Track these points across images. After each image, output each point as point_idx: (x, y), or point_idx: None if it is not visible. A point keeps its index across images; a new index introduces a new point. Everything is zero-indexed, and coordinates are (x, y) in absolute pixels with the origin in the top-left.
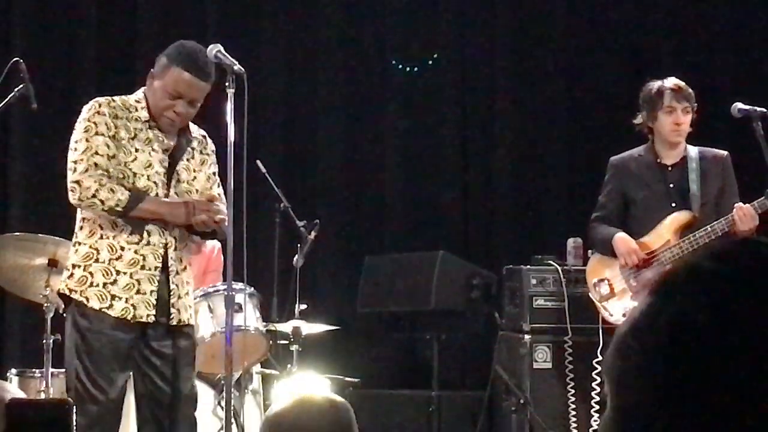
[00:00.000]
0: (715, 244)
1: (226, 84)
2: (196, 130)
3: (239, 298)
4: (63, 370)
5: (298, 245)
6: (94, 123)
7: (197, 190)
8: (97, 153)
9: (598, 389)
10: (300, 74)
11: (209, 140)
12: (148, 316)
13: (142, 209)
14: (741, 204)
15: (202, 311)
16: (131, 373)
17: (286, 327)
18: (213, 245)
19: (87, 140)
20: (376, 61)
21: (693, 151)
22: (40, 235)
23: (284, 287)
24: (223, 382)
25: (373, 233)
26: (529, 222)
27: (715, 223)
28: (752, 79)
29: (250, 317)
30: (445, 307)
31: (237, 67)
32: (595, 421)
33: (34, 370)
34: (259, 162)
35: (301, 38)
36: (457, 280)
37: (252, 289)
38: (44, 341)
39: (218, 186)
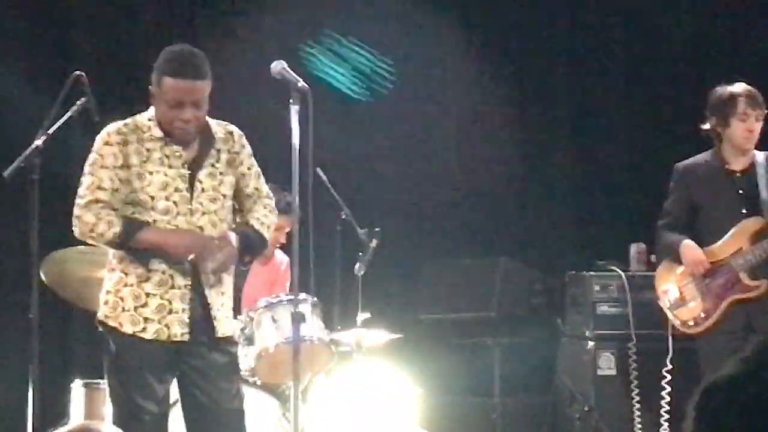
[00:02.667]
0: None
1: (291, 101)
2: (220, 129)
3: (303, 308)
4: None
5: (359, 253)
6: (101, 155)
7: (224, 195)
8: (100, 187)
9: (668, 398)
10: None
11: (237, 134)
12: (182, 334)
13: (140, 240)
14: None
15: (266, 322)
16: (177, 400)
17: (348, 336)
18: (282, 258)
19: (92, 174)
20: (435, 66)
21: (760, 156)
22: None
23: (346, 296)
24: (287, 392)
25: (434, 239)
26: (591, 227)
27: None
28: None
29: (314, 327)
30: (507, 314)
31: (301, 84)
32: (664, 429)
33: (98, 381)
34: (319, 170)
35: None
36: (518, 286)
37: (315, 299)
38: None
39: (257, 179)
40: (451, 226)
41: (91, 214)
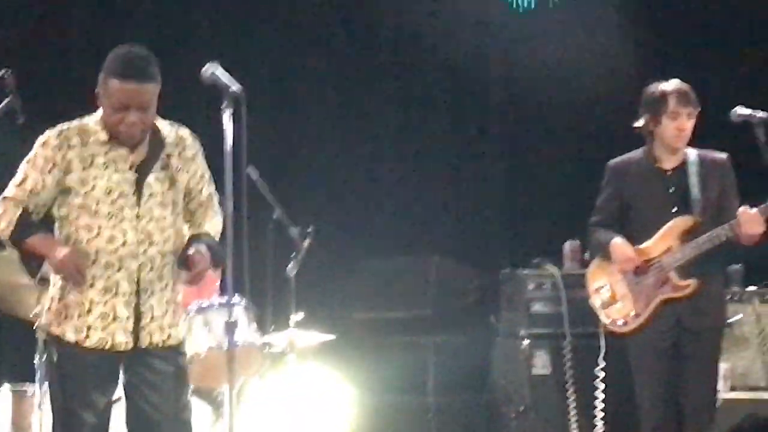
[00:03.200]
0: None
1: (223, 104)
2: (171, 132)
3: (235, 311)
4: None
5: (292, 253)
6: (34, 155)
7: (174, 201)
8: (21, 185)
9: (602, 396)
10: (290, 80)
11: (190, 139)
12: (126, 343)
13: (29, 244)
14: (746, 209)
15: (198, 326)
16: (120, 397)
17: (281, 337)
18: None
19: (22, 171)
20: (368, 64)
21: (692, 154)
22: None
23: (279, 296)
24: (220, 397)
25: (367, 238)
26: (525, 225)
27: (718, 228)
28: (753, 83)
29: (246, 331)
30: (442, 312)
31: (234, 87)
32: (598, 428)
33: (26, 386)
34: (250, 168)
35: (291, 44)
36: (453, 285)
37: (247, 301)
38: (36, 360)
39: (208, 186)
40: (384, 225)
41: (0, 208)
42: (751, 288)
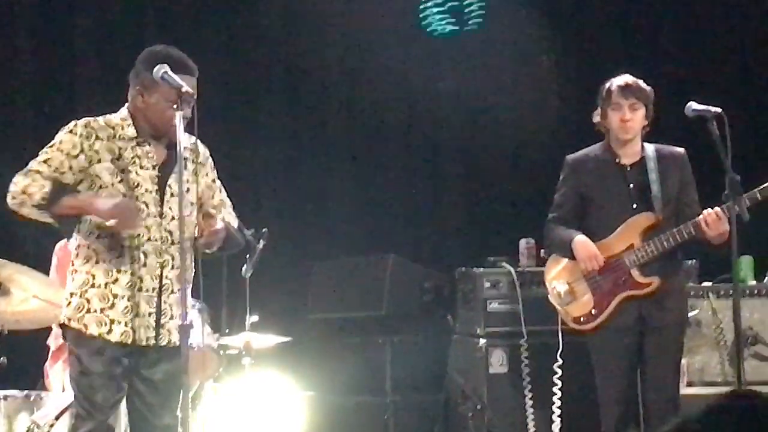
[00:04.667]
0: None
1: (174, 105)
2: (186, 139)
3: (190, 314)
4: (12, 392)
5: (247, 255)
6: (60, 140)
7: (192, 203)
8: (46, 162)
9: (559, 393)
10: (242, 82)
11: (201, 147)
12: (148, 339)
13: (65, 203)
14: (710, 211)
15: None
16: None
17: (237, 340)
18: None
19: (44, 153)
20: (318, 65)
21: (650, 149)
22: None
23: (234, 299)
24: None
25: (322, 239)
26: (480, 223)
27: (681, 226)
28: (709, 78)
29: (201, 334)
30: (398, 312)
31: (185, 88)
32: (556, 425)
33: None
34: None
35: (242, 46)
36: (408, 284)
37: (202, 304)
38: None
39: (220, 192)
40: (339, 226)
41: (27, 178)
42: (707, 283)
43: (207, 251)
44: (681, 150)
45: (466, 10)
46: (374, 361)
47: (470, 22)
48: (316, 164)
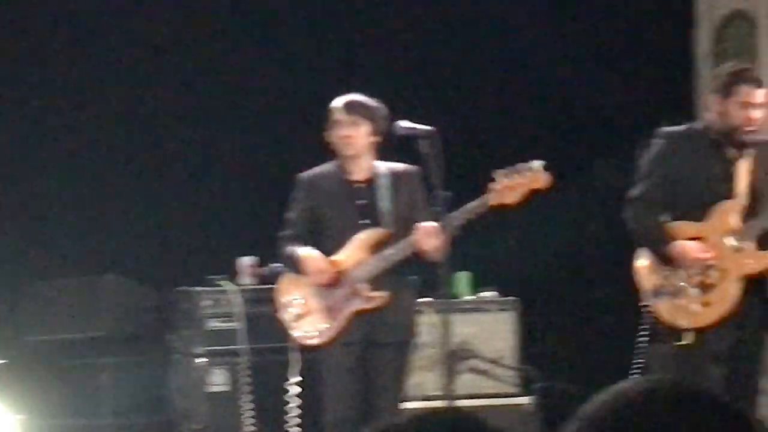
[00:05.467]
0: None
1: None
2: None
3: None
4: None
5: None
6: None
7: None
8: None
9: (294, 411)
10: None
11: None
12: None
13: None
14: (423, 224)
15: None
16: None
17: None
18: None
19: None
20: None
21: (382, 167)
22: None
23: None
24: None
25: (35, 258)
26: (200, 241)
27: (403, 240)
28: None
29: None
30: (117, 332)
31: None
32: None
33: None
34: None
35: None
36: (127, 304)
37: None
38: None
39: None
40: (53, 244)
41: None
42: (426, 299)
43: None
44: (414, 167)
45: None
46: (93, 383)
47: None
48: (34, 183)
